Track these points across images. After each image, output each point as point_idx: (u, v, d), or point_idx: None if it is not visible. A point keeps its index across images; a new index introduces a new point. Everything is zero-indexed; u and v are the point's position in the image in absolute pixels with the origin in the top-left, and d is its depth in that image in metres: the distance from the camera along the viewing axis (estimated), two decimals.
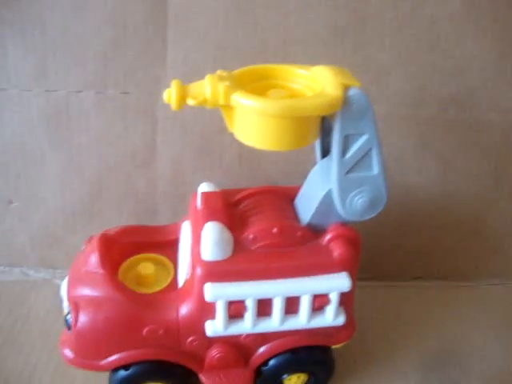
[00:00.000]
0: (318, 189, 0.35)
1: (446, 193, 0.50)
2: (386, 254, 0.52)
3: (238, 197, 0.39)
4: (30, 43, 0.44)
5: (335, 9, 0.45)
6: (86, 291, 0.35)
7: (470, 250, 0.53)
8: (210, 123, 0.46)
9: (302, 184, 0.38)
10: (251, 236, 0.35)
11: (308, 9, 0.44)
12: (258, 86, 0.34)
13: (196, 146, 0.47)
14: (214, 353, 0.36)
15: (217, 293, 0.33)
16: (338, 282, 0.34)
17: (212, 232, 0.33)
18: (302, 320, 0.35)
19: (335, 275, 0.34)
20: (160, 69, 0.45)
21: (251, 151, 0.47)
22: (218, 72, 0.33)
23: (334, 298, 0.35)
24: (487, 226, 0.52)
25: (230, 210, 0.37)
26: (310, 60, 0.45)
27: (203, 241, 0.33)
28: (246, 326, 0.35)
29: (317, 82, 0.33)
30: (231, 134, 0.47)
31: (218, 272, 0.33)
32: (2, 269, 0.50)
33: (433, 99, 0.47)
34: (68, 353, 0.36)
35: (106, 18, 0.44)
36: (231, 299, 0.33)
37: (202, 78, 0.45)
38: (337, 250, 0.34)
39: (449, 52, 0.46)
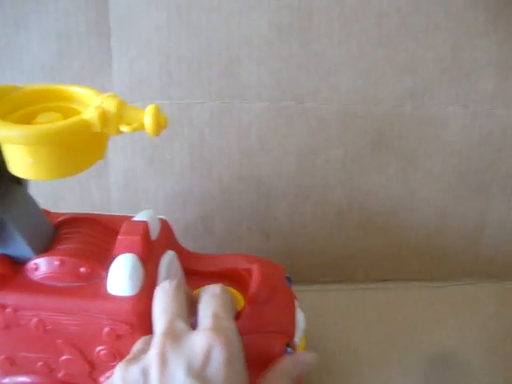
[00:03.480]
0: None
1: (409, 191, 0.49)
2: (351, 257, 0.51)
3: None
4: None
5: (278, 8, 0.44)
6: None
7: (438, 249, 0.51)
8: None
9: None
10: None
11: (250, 9, 0.44)
12: (29, 112, 0.31)
13: (146, 153, 0.47)
14: None
15: None
16: None
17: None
18: None
19: None
20: (106, 78, 0.45)
21: (202, 156, 0.47)
22: None
23: None
24: (454, 223, 0.50)
25: None
26: (257, 61, 0.45)
27: None
28: None
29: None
30: (181, 141, 0.47)
31: None
32: None
33: (388, 95, 0.46)
34: None
35: (50, 31, 0.44)
36: None
37: (148, 84, 0.45)
38: None
39: (401, 46, 0.45)
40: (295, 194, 0.48)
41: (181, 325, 0.27)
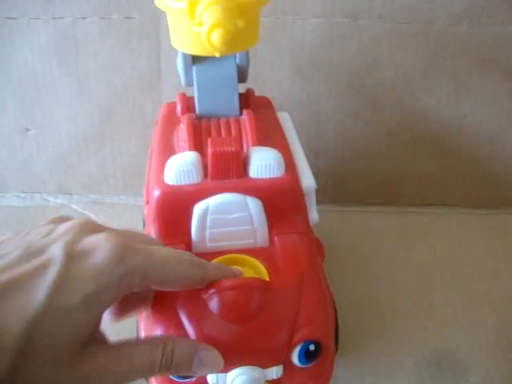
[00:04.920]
0: None
1: (459, 114, 0.48)
2: (396, 179, 0.51)
3: None
4: None
5: None
6: None
7: (484, 176, 0.50)
8: None
9: None
10: None
11: None
12: None
13: None
14: None
15: None
16: None
17: None
18: None
19: None
20: None
21: (254, 70, 0.48)
22: None
23: None
24: (504, 150, 0.49)
25: None
26: None
27: None
28: None
29: None
30: None
31: None
32: (24, 195, 0.53)
33: (443, 13, 0.45)
34: None
35: None
36: None
37: None
38: None
39: None
40: (345, 113, 0.48)
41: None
